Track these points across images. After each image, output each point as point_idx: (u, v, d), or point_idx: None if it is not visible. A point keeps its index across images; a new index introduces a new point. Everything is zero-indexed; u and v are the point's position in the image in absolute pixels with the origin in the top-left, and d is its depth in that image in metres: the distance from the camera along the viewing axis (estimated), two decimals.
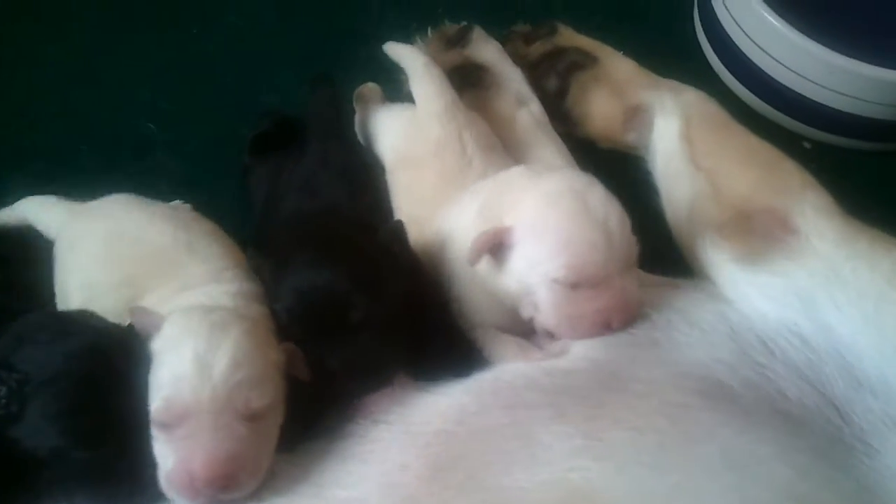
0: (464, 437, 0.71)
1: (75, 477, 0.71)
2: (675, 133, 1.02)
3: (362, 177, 1.03)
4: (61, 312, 0.79)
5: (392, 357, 0.80)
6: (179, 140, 1.16)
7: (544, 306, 0.80)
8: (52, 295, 0.93)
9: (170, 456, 0.69)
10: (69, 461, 0.70)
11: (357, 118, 1.12)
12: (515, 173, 0.86)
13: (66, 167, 1.13)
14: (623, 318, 0.79)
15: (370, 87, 1.13)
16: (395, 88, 1.13)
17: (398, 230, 0.86)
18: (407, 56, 1.06)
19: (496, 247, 0.80)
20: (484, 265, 0.81)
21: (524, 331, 0.86)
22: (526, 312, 0.82)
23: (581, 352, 0.78)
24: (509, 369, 0.78)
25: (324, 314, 0.77)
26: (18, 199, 1.08)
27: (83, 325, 0.76)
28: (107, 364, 0.72)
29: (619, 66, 1.13)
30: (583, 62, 1.13)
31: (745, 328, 0.78)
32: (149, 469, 0.71)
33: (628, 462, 0.66)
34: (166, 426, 0.69)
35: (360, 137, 1.11)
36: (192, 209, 0.98)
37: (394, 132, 1.05)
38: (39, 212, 0.99)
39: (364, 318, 0.77)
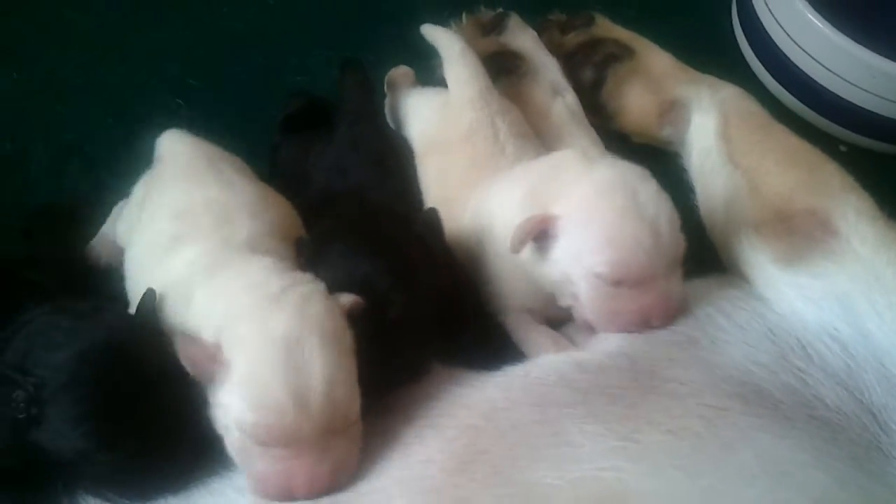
0: (490, 433, 0.70)
1: (102, 475, 0.71)
2: (712, 130, 1.00)
3: (392, 161, 1.02)
4: (73, 308, 0.75)
5: (425, 351, 0.79)
6: (207, 117, 1.14)
7: (584, 299, 0.79)
8: (83, 271, 0.95)
9: (264, 464, 0.68)
10: (91, 466, 0.69)
11: (388, 102, 1.11)
12: (567, 158, 0.83)
13: (92, 139, 1.12)
14: (664, 318, 0.78)
15: (402, 71, 1.12)
16: (427, 73, 1.11)
17: (433, 219, 0.84)
18: (443, 39, 1.04)
19: (540, 234, 0.78)
20: (526, 251, 0.79)
21: (559, 316, 0.85)
22: (565, 302, 0.81)
23: (616, 347, 0.76)
24: (541, 365, 0.76)
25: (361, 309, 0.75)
26: (45, 168, 1.08)
27: (95, 323, 0.73)
28: (122, 362, 0.70)
29: (656, 59, 1.11)
30: (620, 54, 1.11)
31: (783, 330, 0.76)
32: (176, 461, 0.71)
33: (662, 464, 0.64)
34: (261, 443, 0.68)
35: (390, 121, 1.09)
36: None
37: (425, 116, 1.04)
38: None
39: (399, 314, 0.76)
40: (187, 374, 0.70)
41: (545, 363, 0.77)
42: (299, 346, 0.68)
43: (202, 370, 0.70)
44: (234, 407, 0.68)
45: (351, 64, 1.09)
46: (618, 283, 0.76)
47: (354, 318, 0.72)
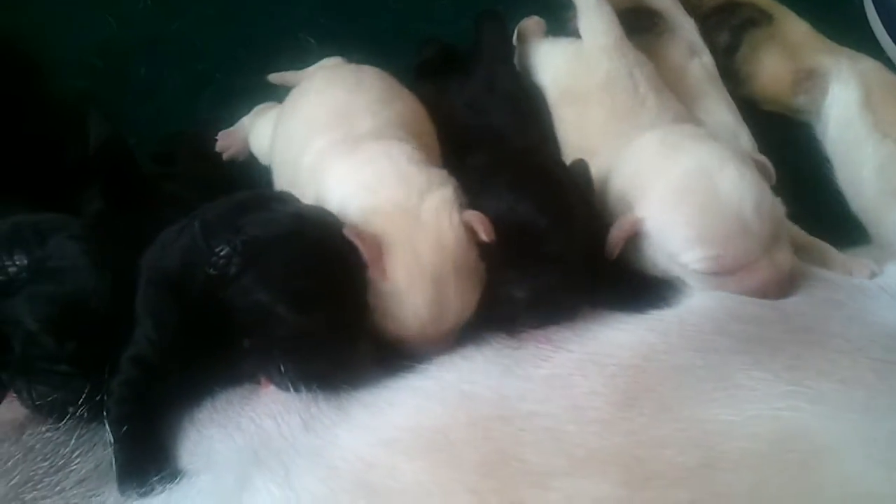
0: (653, 373, 0.70)
1: (279, 344, 0.71)
2: (854, 100, 1.00)
3: (526, 106, 1.02)
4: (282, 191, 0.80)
5: (577, 294, 0.79)
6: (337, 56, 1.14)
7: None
8: (220, 187, 0.94)
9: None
10: (277, 326, 0.70)
11: (518, 52, 1.10)
12: (650, 146, 0.84)
13: (225, 70, 1.13)
14: (778, 291, 0.77)
15: (534, 21, 1.11)
16: (557, 25, 1.11)
17: (584, 170, 0.84)
18: None
19: (634, 236, 0.79)
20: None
21: None
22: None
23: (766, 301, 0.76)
24: (694, 312, 0.76)
25: (519, 242, 0.76)
26: (179, 97, 1.09)
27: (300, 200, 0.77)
28: (329, 235, 0.72)
29: (794, 27, 1.10)
30: (758, 19, 1.11)
31: None
32: (356, 352, 0.72)
33: (840, 409, 0.64)
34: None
35: (521, 71, 1.09)
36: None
37: (557, 65, 1.04)
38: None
39: (556, 252, 0.76)
40: None
41: (698, 310, 0.77)
42: (441, 270, 0.72)
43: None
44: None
45: (489, 14, 1.09)
46: (717, 274, 0.76)
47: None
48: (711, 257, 0.76)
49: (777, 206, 0.78)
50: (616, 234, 0.79)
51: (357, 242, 0.71)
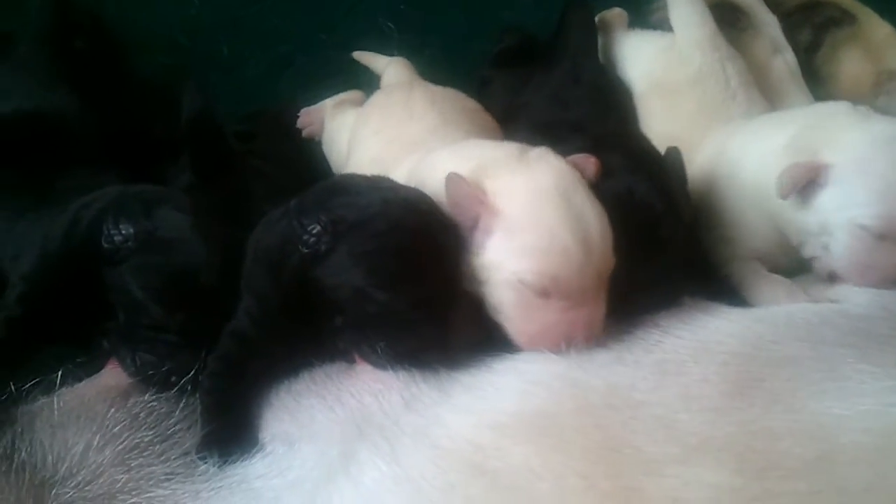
0: (763, 362, 0.70)
1: (370, 322, 0.71)
2: None
3: (612, 98, 1.02)
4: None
5: (683, 280, 0.79)
6: (416, 43, 1.16)
7: (838, 249, 0.79)
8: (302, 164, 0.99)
9: (544, 316, 0.70)
10: (366, 304, 0.70)
11: (600, 43, 1.10)
12: (839, 107, 0.83)
13: (305, 53, 1.14)
14: None
15: (616, 13, 1.12)
16: (638, 18, 1.11)
17: (678, 158, 0.84)
18: None
19: (808, 182, 0.78)
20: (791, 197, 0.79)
21: (787, 266, 0.86)
22: (810, 252, 0.81)
23: (872, 300, 0.76)
24: (800, 307, 0.77)
25: (635, 225, 0.75)
26: (261, 78, 1.10)
27: (395, 183, 0.76)
28: (418, 217, 0.72)
29: (877, 28, 1.10)
30: (840, 19, 1.10)
31: None
32: (446, 327, 0.71)
33: None
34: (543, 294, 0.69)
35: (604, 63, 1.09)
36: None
37: (648, 59, 1.04)
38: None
39: (669, 236, 0.77)
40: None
41: (804, 305, 0.78)
42: (569, 194, 0.70)
43: (467, 212, 0.71)
44: (513, 258, 0.69)
45: (577, 5, 1.09)
46: (882, 237, 0.76)
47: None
48: (886, 216, 0.76)
49: None
50: (794, 176, 0.78)
51: (461, 186, 0.70)
